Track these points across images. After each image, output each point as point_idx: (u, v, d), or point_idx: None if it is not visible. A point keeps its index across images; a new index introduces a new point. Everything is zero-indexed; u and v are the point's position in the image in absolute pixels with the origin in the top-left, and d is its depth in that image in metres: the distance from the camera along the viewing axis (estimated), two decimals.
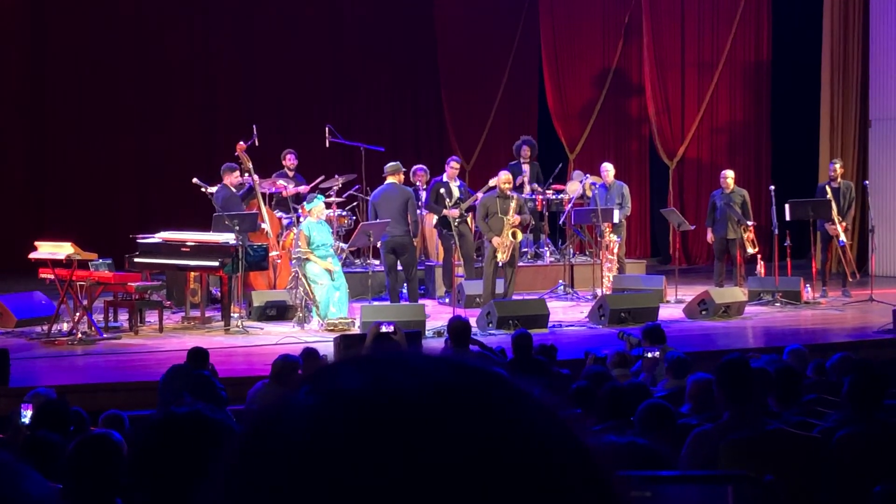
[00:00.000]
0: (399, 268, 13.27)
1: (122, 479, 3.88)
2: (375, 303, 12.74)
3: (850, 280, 14.30)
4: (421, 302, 12.91)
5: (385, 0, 19.48)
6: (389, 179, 13.24)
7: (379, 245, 13.18)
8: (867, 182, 15.48)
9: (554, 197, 15.80)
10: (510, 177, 13.37)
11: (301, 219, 12.95)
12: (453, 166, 14.42)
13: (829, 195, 14.00)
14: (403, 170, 13.60)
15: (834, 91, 17.38)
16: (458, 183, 14.41)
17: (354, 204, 15.41)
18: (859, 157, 17.31)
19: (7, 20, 17.46)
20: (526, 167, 15.88)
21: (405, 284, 13.37)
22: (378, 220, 12.90)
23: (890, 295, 13.71)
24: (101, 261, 12.56)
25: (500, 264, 13.03)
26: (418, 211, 13.87)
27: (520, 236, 13.11)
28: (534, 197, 15.58)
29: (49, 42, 17.68)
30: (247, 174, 13.37)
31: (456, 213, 13.85)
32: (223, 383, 7.35)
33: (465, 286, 13.51)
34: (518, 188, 15.70)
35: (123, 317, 12.25)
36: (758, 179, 18.02)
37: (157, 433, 2.37)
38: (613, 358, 8.07)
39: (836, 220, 13.97)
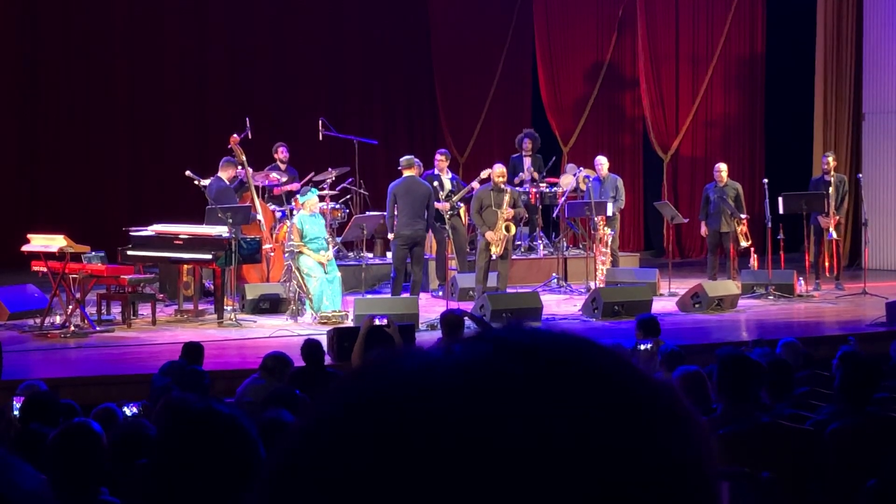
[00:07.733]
0: (408, 260, 13.06)
1: (104, 468, 3.87)
2: (369, 296, 12.71)
3: (828, 275, 14.32)
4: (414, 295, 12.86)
5: None
6: (406, 173, 12.98)
7: (391, 237, 13.00)
8: (860, 175, 15.49)
9: (548, 190, 15.78)
10: (504, 170, 13.33)
11: (294, 212, 12.92)
12: (441, 159, 14.40)
13: (832, 188, 14.00)
14: (417, 163, 13.43)
15: (827, 84, 17.38)
16: (449, 175, 14.40)
17: (348, 197, 15.38)
18: (853, 150, 17.31)
19: None
20: (527, 160, 15.89)
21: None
22: (370, 214, 12.85)
23: (883, 288, 13.73)
24: (93, 253, 12.55)
25: (493, 258, 12.99)
26: None
27: (513, 230, 13.05)
28: (528, 190, 15.56)
29: (41, 35, 17.61)
30: (240, 167, 13.36)
31: (447, 205, 13.82)
32: (216, 376, 7.34)
33: (459, 279, 13.49)
34: (520, 184, 15.65)
35: (116, 310, 12.22)
36: (751, 173, 18.03)
37: (192, 423, 2.34)
38: None
39: (831, 214, 13.99)
